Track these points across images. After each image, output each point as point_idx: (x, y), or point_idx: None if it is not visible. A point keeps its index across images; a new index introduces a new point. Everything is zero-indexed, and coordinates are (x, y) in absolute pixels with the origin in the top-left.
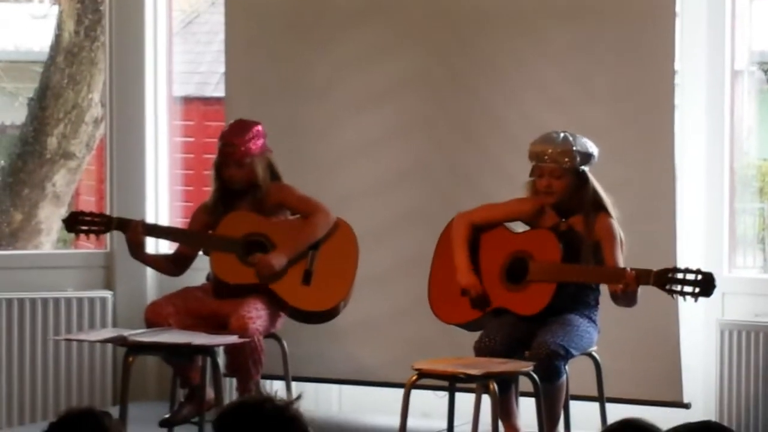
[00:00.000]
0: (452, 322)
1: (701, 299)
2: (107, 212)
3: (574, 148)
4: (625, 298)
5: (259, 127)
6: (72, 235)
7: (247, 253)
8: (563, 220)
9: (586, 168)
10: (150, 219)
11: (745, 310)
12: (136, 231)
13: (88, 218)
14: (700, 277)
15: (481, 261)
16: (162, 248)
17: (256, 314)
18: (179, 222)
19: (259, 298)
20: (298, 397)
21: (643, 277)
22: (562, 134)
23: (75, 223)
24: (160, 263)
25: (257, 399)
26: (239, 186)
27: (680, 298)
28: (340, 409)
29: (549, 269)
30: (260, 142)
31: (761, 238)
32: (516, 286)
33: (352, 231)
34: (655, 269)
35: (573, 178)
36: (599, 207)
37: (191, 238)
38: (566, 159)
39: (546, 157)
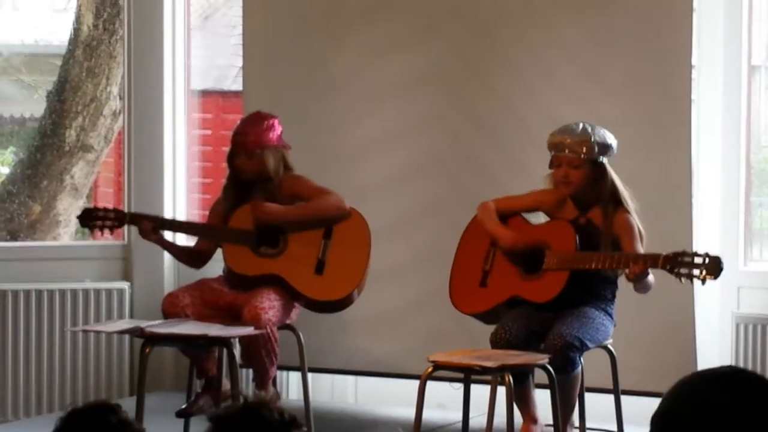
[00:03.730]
0: (470, 312)
1: (717, 291)
2: (125, 204)
3: (593, 139)
4: (638, 283)
5: (275, 121)
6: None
7: (260, 244)
8: (582, 214)
9: (604, 159)
10: (168, 211)
11: (760, 304)
12: (146, 227)
13: (101, 213)
14: (707, 259)
15: (499, 251)
16: (180, 240)
17: (268, 305)
18: (197, 214)
19: (272, 289)
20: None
21: (652, 260)
22: (581, 125)
23: (89, 218)
24: (176, 251)
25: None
26: (249, 177)
27: (694, 287)
28: (356, 401)
29: (562, 257)
30: (274, 134)
31: None
32: (531, 275)
33: (365, 220)
34: (663, 253)
35: (591, 168)
36: (617, 201)
37: (204, 232)
38: (584, 149)
39: (564, 147)
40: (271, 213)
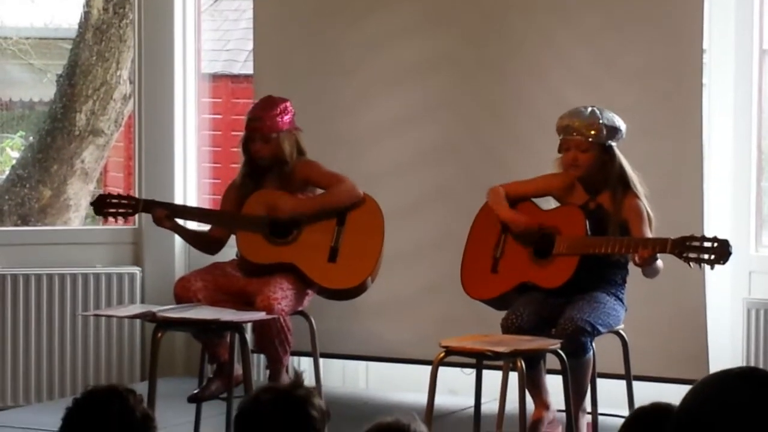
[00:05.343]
0: (481, 298)
1: (728, 276)
2: (135, 189)
3: (601, 122)
4: (646, 267)
5: (287, 104)
6: None
7: (273, 231)
8: (592, 198)
9: (613, 143)
10: (178, 195)
11: None
12: (160, 214)
13: (115, 201)
14: (716, 244)
15: (510, 237)
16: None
17: (281, 294)
18: (207, 199)
19: (285, 277)
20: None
21: (660, 245)
22: (589, 108)
23: (103, 205)
24: (190, 238)
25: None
26: (266, 162)
27: (705, 272)
28: (368, 386)
29: (572, 242)
30: (287, 118)
31: None
32: (542, 260)
33: (378, 206)
34: (671, 237)
35: (599, 152)
36: (626, 185)
37: (218, 219)
38: (592, 132)
39: (572, 130)
40: (287, 210)
